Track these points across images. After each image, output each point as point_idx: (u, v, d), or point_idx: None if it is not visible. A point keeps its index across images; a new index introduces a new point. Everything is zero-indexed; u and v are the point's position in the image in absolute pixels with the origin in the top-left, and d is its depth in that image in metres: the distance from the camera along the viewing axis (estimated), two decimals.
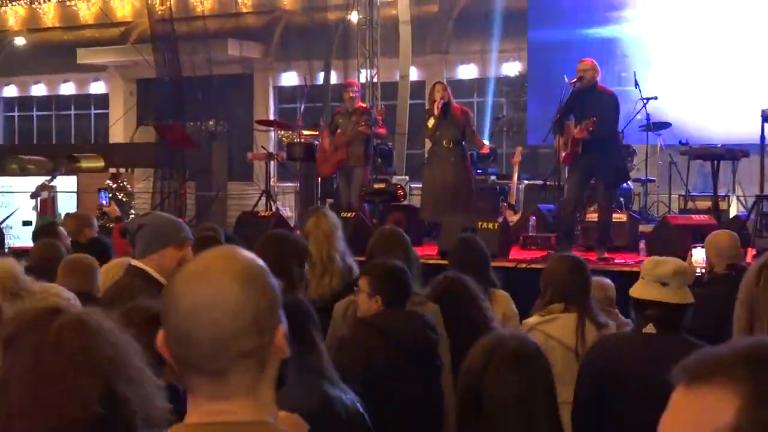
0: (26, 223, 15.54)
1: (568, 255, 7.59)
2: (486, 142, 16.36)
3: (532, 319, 5.95)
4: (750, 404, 1.46)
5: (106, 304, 4.89)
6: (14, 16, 35.68)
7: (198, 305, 2.01)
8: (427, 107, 14.55)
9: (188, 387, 2.08)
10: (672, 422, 1.53)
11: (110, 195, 17.34)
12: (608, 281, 7.45)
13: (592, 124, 11.79)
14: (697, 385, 1.52)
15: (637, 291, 5.10)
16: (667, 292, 5.01)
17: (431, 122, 13.81)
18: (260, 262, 2.17)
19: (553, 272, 6.19)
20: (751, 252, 10.78)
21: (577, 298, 6.02)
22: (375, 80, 21.26)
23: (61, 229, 9.69)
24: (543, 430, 3.18)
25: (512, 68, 23.49)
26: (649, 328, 5.03)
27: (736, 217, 13.73)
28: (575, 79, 12.35)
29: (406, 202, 15.50)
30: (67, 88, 34.69)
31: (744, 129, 15.07)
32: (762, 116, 12.75)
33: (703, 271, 7.32)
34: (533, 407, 3.21)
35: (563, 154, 12.53)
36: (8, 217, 15.90)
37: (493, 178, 15.87)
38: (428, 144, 14.60)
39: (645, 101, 15.60)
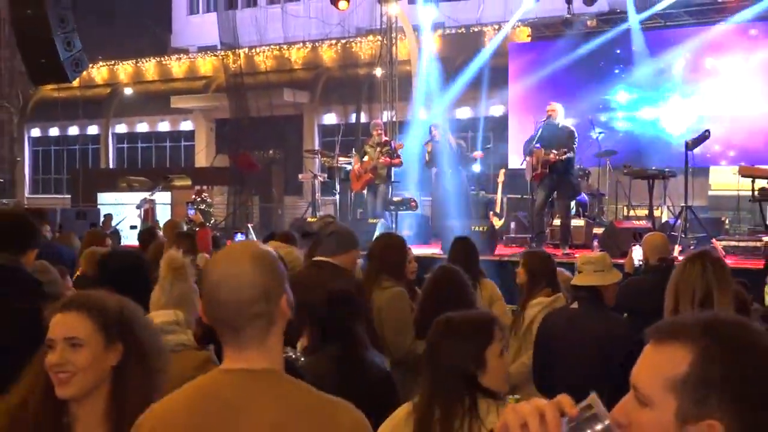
0: (133, 227, 15.62)
1: (541, 250, 7.69)
2: (478, 166, 16.47)
3: (546, 300, 5.97)
4: (699, 360, 1.51)
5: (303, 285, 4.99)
6: (124, 72, 35.81)
7: (223, 278, 2.16)
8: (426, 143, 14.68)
9: (222, 339, 2.22)
10: (642, 369, 1.57)
11: (195, 206, 17.40)
12: (567, 272, 7.47)
13: (563, 154, 12.02)
14: (663, 341, 1.57)
15: (573, 280, 5.21)
16: (581, 278, 5.11)
17: (426, 156, 14.06)
18: (271, 250, 2.32)
19: (544, 265, 6.24)
20: (678, 248, 10.78)
21: (554, 281, 6.12)
22: (394, 119, 21.24)
23: (159, 232, 9.79)
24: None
25: (497, 110, 23.39)
26: (574, 305, 5.14)
27: (666, 222, 13.70)
28: (545, 117, 12.50)
29: (418, 211, 15.54)
30: (163, 126, 34.72)
31: (673, 155, 15.11)
32: (685, 146, 12.76)
33: (641, 263, 7.30)
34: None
35: (534, 174, 12.60)
36: (120, 222, 16.04)
37: (482, 193, 15.84)
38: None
39: (598, 135, 15.65)
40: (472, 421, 3.03)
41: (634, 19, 18.09)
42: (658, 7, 18.00)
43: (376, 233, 10.45)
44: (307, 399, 2.18)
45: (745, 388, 1.49)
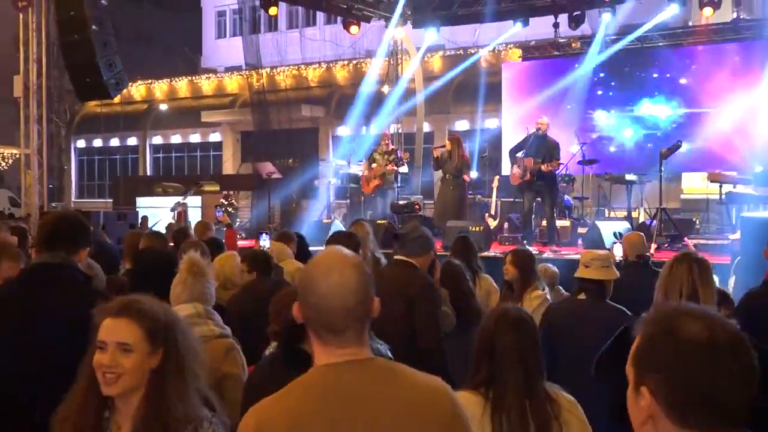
0: (171, 225, 15.68)
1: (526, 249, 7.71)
2: (475, 172, 16.50)
3: (543, 294, 6.07)
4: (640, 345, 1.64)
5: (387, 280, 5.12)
6: (159, 90, 35.93)
7: (332, 288, 2.11)
8: (434, 147, 14.68)
9: (319, 340, 2.14)
10: None
11: (223, 209, 17.44)
12: (553, 267, 7.45)
13: (555, 166, 12.16)
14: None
15: (577, 273, 5.19)
16: (589, 272, 5.09)
17: (434, 160, 14.09)
18: (359, 257, 2.29)
19: (532, 261, 6.31)
20: (653, 246, 10.75)
21: (537, 276, 6.22)
22: (400, 131, 21.28)
23: (191, 231, 9.80)
24: (533, 368, 3.16)
25: (492, 123, 23.42)
26: (581, 296, 5.13)
27: (643, 222, 13.66)
28: (536, 129, 12.55)
29: (421, 213, 15.52)
30: (194, 138, 34.81)
31: (650, 163, 15.09)
32: (659, 155, 12.75)
33: (621, 259, 7.29)
34: (527, 354, 3.20)
35: (522, 180, 12.65)
36: (156, 223, 16.05)
37: (479, 197, 15.83)
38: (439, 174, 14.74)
39: (582, 145, 15.63)
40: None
41: (614, 42, 18.14)
42: (639, 32, 18.01)
43: (331, 231, 10.44)
44: (417, 379, 2.16)
45: (653, 360, 1.60)
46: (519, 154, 12.70)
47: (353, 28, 19.61)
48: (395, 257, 5.56)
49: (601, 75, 18.79)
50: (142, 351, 2.45)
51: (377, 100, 24.19)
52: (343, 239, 6.37)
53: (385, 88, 22.56)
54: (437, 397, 2.14)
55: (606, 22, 17.78)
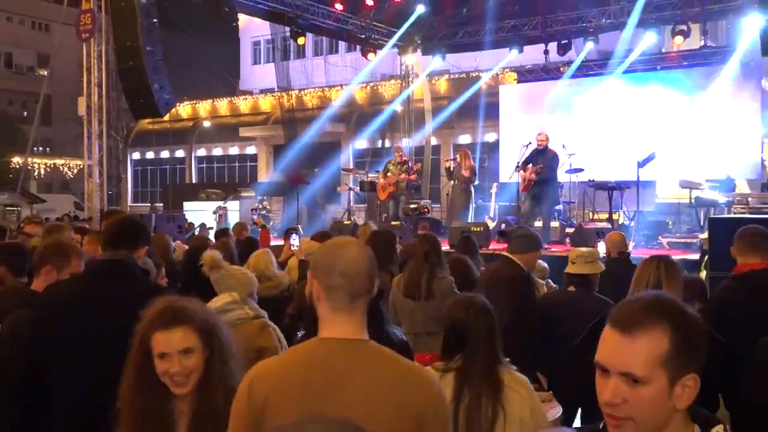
0: (210, 228, 15.68)
1: None
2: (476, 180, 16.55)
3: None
4: (673, 338, 1.56)
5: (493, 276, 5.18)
6: (203, 109, 36.04)
7: (357, 256, 2.12)
8: (446, 159, 14.79)
9: (329, 314, 2.11)
10: (630, 357, 1.55)
11: (258, 212, 17.44)
12: (544, 263, 7.43)
13: (539, 169, 12.08)
14: (634, 331, 1.56)
15: (566, 269, 5.17)
16: (575, 267, 5.07)
17: (445, 173, 14.17)
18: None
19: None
20: (632, 244, 10.69)
21: None
22: (411, 145, 21.26)
23: (230, 231, 9.83)
24: (493, 349, 3.12)
25: (491, 137, 23.34)
26: (570, 288, 5.11)
27: (622, 223, 13.61)
28: (537, 145, 12.56)
29: (429, 215, 15.50)
30: (233, 150, 34.85)
31: (628, 172, 15.00)
32: (637, 165, 12.70)
33: (604, 256, 7.26)
34: (489, 337, 3.16)
35: (523, 186, 12.62)
36: (200, 224, 16.06)
37: (480, 201, 15.81)
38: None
39: (569, 156, 15.57)
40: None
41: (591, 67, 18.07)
42: (627, 62, 17.99)
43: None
44: (402, 364, 2.12)
45: (696, 343, 1.59)
46: (529, 166, 12.67)
47: (370, 55, 19.74)
48: (503, 254, 5.55)
49: (584, 95, 18.71)
50: (199, 349, 2.48)
51: (391, 118, 24.23)
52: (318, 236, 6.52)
53: (398, 108, 22.58)
54: (418, 379, 2.09)
55: (588, 48, 17.82)
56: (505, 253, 5.38)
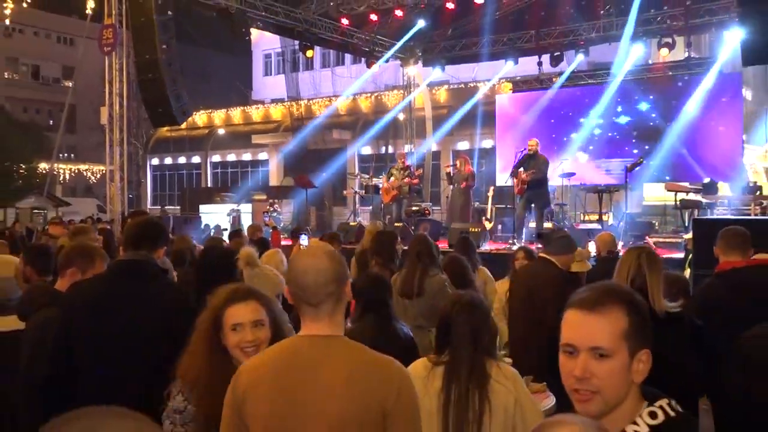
0: (224, 230, 15.71)
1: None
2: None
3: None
4: (630, 315, 1.68)
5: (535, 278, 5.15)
6: (218, 117, 36.06)
7: (308, 267, 2.18)
8: (446, 165, 14.80)
9: (302, 315, 2.20)
10: (597, 333, 1.65)
11: (269, 214, 17.48)
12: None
13: (532, 173, 12.05)
14: (599, 309, 1.67)
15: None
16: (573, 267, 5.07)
17: (446, 177, 14.17)
18: (335, 250, 2.36)
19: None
20: (620, 243, 10.66)
21: None
22: (412, 151, 21.26)
23: (244, 232, 9.85)
24: (481, 344, 3.08)
25: (488, 143, 23.36)
26: None
27: (611, 224, 13.60)
28: (529, 150, 12.53)
29: (430, 217, 15.49)
30: (246, 156, 34.89)
31: (616, 176, 15.02)
32: (625, 169, 12.69)
33: (594, 254, 7.25)
34: (477, 331, 3.14)
35: (517, 189, 12.60)
36: (215, 226, 16.03)
37: (477, 203, 15.81)
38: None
39: (561, 161, 15.61)
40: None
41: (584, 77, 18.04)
42: (620, 76, 17.94)
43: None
44: (367, 356, 2.15)
45: (647, 323, 1.71)
46: (521, 170, 12.62)
47: (374, 67, 19.79)
48: (539, 254, 5.53)
49: (569, 109, 18.73)
50: (267, 323, 2.59)
51: (394, 126, 24.24)
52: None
53: (400, 116, 22.59)
54: (380, 371, 2.12)
55: (579, 60, 17.84)
56: (542, 254, 5.36)
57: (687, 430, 1.69)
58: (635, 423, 1.66)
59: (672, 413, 1.68)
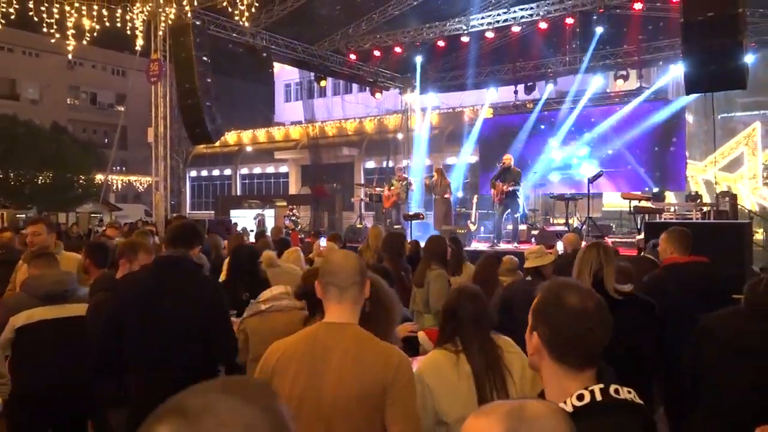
0: (251, 231, 15.67)
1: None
2: (460, 192, 16.48)
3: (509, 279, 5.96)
4: (537, 301, 1.72)
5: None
6: (246, 136, 36.07)
7: (341, 259, 2.25)
8: (426, 177, 14.74)
9: (327, 303, 2.21)
10: None
11: (289, 218, 17.47)
12: (515, 258, 7.40)
13: (511, 186, 12.00)
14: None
15: (524, 265, 5.15)
16: (528, 263, 5.04)
17: (425, 187, 14.10)
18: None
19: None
20: (584, 243, 10.60)
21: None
22: (409, 165, 21.24)
23: (268, 234, 9.84)
24: (485, 325, 3.01)
25: (472, 158, 23.30)
26: (527, 277, 5.08)
27: (576, 227, 13.57)
28: (503, 164, 12.45)
29: (424, 221, 15.45)
30: (270, 169, 34.95)
31: (580, 186, 14.97)
32: (587, 181, 12.67)
33: (561, 252, 7.24)
34: (479, 316, 3.07)
35: (497, 198, 12.55)
36: (243, 227, 16.06)
37: (463, 209, 15.80)
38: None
39: (534, 173, 15.59)
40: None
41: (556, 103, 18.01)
42: (582, 102, 17.93)
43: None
44: (373, 343, 2.16)
45: (545, 316, 1.64)
46: (497, 182, 12.52)
47: (378, 95, 19.90)
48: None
49: (542, 127, 18.71)
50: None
51: (394, 144, 24.22)
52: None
53: (400, 136, 22.58)
54: (382, 354, 2.12)
55: (549, 89, 17.86)
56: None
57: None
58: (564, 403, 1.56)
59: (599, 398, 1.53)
